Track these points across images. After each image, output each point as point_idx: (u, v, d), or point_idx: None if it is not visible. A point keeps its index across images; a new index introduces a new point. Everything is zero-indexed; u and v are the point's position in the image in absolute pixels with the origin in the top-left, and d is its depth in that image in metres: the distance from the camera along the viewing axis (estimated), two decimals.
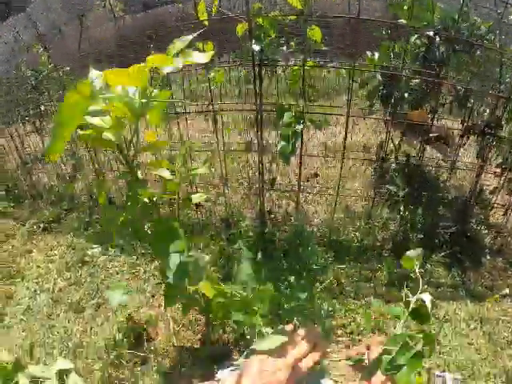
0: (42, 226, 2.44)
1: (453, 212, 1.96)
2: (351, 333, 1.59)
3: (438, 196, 2.00)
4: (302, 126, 1.58)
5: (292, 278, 1.56)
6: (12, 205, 2.68)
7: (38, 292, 1.89)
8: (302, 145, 1.65)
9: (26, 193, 2.82)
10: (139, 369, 1.44)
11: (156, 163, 0.97)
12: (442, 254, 1.79)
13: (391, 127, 1.87)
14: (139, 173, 0.88)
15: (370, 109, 2.28)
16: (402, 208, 1.90)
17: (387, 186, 1.94)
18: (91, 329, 1.66)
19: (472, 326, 1.54)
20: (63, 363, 1.40)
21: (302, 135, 1.62)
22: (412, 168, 1.92)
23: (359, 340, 1.58)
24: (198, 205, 2.00)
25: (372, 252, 1.86)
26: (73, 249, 2.21)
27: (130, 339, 1.54)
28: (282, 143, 1.54)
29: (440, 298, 1.64)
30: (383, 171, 1.99)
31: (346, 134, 1.66)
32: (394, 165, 1.98)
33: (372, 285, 1.78)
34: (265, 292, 1.00)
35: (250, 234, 1.81)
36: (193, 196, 1.11)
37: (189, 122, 1.96)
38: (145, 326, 1.60)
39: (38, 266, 2.10)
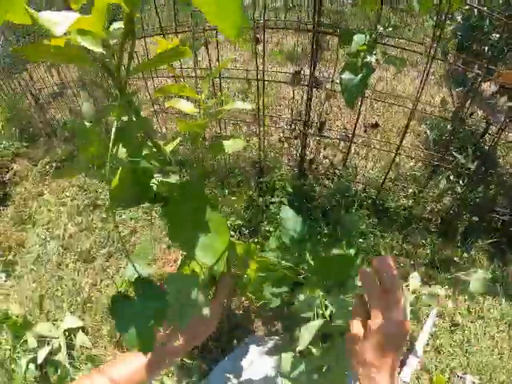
0: (54, 165, 2.27)
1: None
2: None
3: (505, 178, 1.71)
4: (374, 58, 1.20)
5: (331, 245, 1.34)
6: (26, 144, 2.46)
7: (48, 239, 1.83)
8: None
9: (40, 131, 2.57)
10: None
11: (175, 88, 0.59)
12: (489, 241, 1.61)
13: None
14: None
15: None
16: (462, 182, 1.63)
17: (455, 153, 1.64)
18: (101, 281, 1.61)
19: (501, 328, 1.45)
20: (71, 320, 1.41)
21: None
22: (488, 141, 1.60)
23: None
24: None
25: (418, 224, 1.63)
26: (85, 190, 2.06)
27: None
28: (348, 76, 1.17)
29: (477, 291, 1.48)
30: (454, 135, 1.66)
31: (423, 80, 1.30)
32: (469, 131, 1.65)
33: (412, 262, 1.60)
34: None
35: (286, 185, 1.53)
36: (226, 143, 0.70)
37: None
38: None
39: (49, 210, 2.01)
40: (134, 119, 0.46)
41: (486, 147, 1.76)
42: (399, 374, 1.37)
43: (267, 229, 1.53)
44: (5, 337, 1.39)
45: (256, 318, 1.34)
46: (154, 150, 0.51)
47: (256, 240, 1.58)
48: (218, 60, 1.48)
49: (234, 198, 0.75)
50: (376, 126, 1.42)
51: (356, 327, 0.51)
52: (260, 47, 1.36)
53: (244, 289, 0.81)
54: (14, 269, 1.74)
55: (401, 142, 1.39)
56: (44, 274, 1.68)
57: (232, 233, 1.60)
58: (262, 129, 1.53)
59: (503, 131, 1.46)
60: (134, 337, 0.41)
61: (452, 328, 1.46)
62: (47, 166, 2.29)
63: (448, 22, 1.75)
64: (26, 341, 1.33)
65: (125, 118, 0.47)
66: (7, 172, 2.26)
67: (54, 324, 1.41)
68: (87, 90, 2.14)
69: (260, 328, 1.36)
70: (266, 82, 1.41)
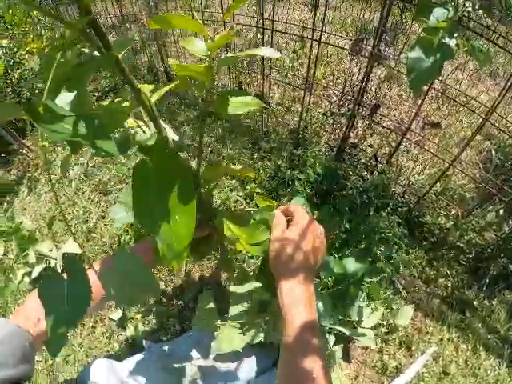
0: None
1: None
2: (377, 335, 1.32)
3: None
4: (454, 42, 0.94)
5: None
6: None
7: (72, 164, 1.89)
8: None
9: None
10: None
11: (178, 19, 0.41)
12: None
13: None
14: None
15: None
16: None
17: None
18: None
19: None
20: (72, 246, 1.43)
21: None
22: None
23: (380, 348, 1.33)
24: (266, 104, 1.48)
25: (449, 251, 1.45)
26: None
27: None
28: (418, 54, 0.93)
29: (483, 346, 1.36)
30: None
31: (507, 86, 1.04)
32: None
33: (428, 290, 1.43)
34: None
35: (318, 164, 1.33)
36: (232, 100, 0.55)
37: None
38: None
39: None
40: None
41: None
42: None
43: (285, 202, 1.36)
44: (12, 247, 1.50)
45: None
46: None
47: None
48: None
49: (240, 167, 0.59)
50: (437, 126, 1.19)
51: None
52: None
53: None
54: (36, 185, 1.86)
55: (460, 152, 1.17)
56: (61, 196, 1.77)
57: (247, 200, 1.46)
58: (307, 96, 1.32)
59: None
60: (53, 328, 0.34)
61: (441, 376, 1.32)
62: None
63: None
64: (27, 254, 1.41)
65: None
66: None
67: (56, 246, 1.49)
68: None
69: None
70: (322, 45, 1.19)
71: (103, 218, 1.67)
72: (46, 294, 0.36)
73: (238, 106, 0.53)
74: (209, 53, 0.49)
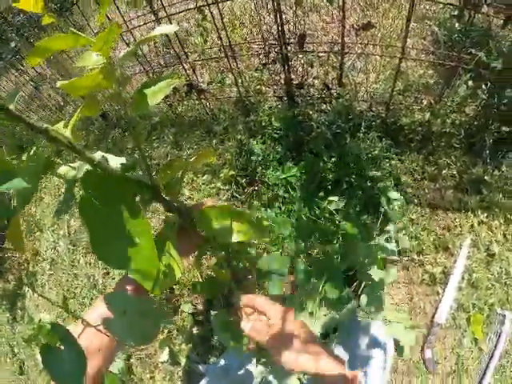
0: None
1: None
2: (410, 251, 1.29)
3: None
4: None
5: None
6: None
7: (57, 241, 1.91)
8: None
9: None
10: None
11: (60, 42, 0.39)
12: None
13: None
14: None
15: None
16: (486, 86, 1.38)
17: (473, 49, 1.37)
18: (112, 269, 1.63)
19: None
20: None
21: None
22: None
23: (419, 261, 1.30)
24: (200, 90, 1.43)
25: (440, 141, 1.41)
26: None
27: None
28: None
29: None
30: (470, 26, 1.37)
31: None
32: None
33: (437, 186, 1.39)
34: None
35: (274, 120, 1.28)
36: (148, 91, 0.51)
37: None
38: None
39: (51, 213, 2.08)
40: None
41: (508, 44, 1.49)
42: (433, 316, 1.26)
43: (265, 174, 1.31)
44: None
45: None
46: None
47: (255, 188, 1.39)
48: None
49: (194, 157, 0.56)
50: (369, 26, 1.13)
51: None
52: None
53: None
54: (36, 279, 1.86)
55: (404, 40, 1.12)
56: (61, 275, 1.78)
57: (227, 187, 1.42)
58: (232, 62, 1.26)
59: None
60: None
61: (488, 259, 1.30)
62: None
63: None
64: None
65: None
66: None
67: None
68: None
69: None
70: (223, 6, 1.13)
71: (108, 274, 1.66)
72: (48, 363, 0.37)
73: (156, 92, 0.49)
74: (102, 57, 0.45)
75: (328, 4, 1.56)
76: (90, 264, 1.75)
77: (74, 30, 0.40)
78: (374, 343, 1.05)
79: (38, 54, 0.38)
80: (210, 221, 0.65)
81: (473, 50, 1.40)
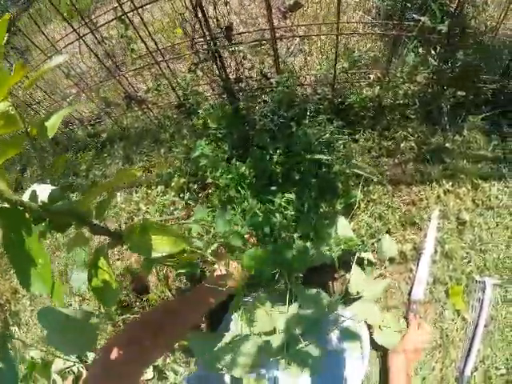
0: None
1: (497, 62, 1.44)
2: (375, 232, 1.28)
3: (485, 38, 1.44)
4: None
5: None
6: None
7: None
8: None
9: None
10: None
11: None
12: (481, 116, 1.38)
13: None
14: None
15: None
16: (435, 51, 1.36)
17: (415, 15, 1.35)
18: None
19: None
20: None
21: None
22: None
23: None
24: (140, 101, 1.42)
25: (393, 114, 1.39)
26: None
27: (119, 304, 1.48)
28: None
29: (480, 177, 1.34)
30: None
31: None
32: None
33: (396, 161, 1.38)
34: None
35: (215, 120, 1.27)
36: (48, 123, 0.60)
37: None
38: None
39: None
40: None
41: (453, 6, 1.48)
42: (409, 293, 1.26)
43: (216, 177, 1.30)
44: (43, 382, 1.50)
45: None
46: None
47: (209, 192, 1.38)
48: None
49: (113, 179, 0.62)
50: (297, 5, 1.10)
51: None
52: None
53: None
54: (19, 317, 1.87)
55: (338, 14, 1.09)
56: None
57: (182, 195, 1.42)
58: (163, 66, 1.25)
59: None
60: None
61: (459, 227, 1.30)
62: None
63: None
64: (54, 380, 1.46)
65: None
66: None
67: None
68: None
69: None
70: (140, 10, 1.11)
71: (84, 300, 1.69)
72: None
73: (54, 124, 0.58)
74: (4, 103, 0.50)
75: None
76: (65, 295, 1.74)
77: None
78: (347, 335, 1.04)
79: None
80: (135, 240, 0.67)
81: (415, 16, 1.38)
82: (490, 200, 1.32)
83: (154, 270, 1.41)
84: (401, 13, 1.26)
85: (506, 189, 1.33)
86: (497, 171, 1.35)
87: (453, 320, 1.23)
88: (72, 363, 1.50)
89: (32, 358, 1.53)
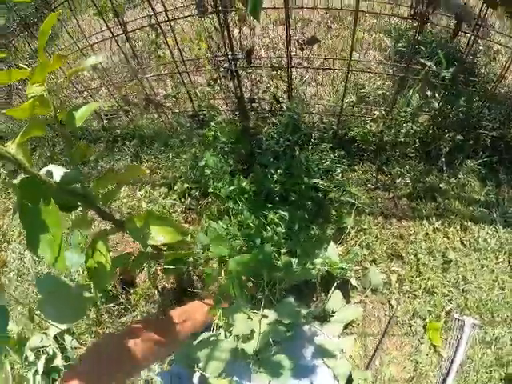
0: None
1: (500, 110, 1.54)
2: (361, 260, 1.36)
3: (487, 86, 1.55)
4: None
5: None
6: None
7: (23, 252, 1.96)
8: None
9: None
10: (123, 320, 1.49)
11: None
12: (479, 161, 1.48)
13: None
14: None
15: None
16: (438, 96, 1.47)
17: (422, 60, 1.46)
18: None
19: (500, 259, 1.38)
20: (57, 326, 1.51)
21: None
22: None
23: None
24: (158, 104, 1.54)
25: (393, 151, 1.49)
26: None
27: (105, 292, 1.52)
28: None
29: (471, 220, 1.42)
30: (417, 39, 1.47)
31: None
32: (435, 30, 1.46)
33: (391, 195, 1.47)
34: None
35: (225, 134, 1.38)
36: (76, 113, 0.69)
37: None
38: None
39: (19, 224, 2.05)
40: None
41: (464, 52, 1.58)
42: None
43: (217, 187, 1.40)
44: (14, 357, 1.51)
45: None
46: None
47: (209, 201, 1.47)
48: None
49: (123, 173, 0.73)
50: (315, 41, 1.23)
51: None
52: None
53: None
54: (4, 290, 1.85)
55: (350, 54, 1.21)
56: (27, 286, 1.81)
57: (182, 199, 1.53)
58: (184, 77, 1.37)
59: (480, 28, 1.27)
60: None
61: (444, 266, 1.37)
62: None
63: None
64: (26, 356, 1.47)
65: None
66: None
67: (46, 333, 1.55)
68: None
69: None
70: (175, 22, 1.24)
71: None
72: None
73: (81, 114, 0.67)
74: (41, 88, 0.59)
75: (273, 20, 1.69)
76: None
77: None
78: (321, 352, 1.11)
79: None
80: (136, 225, 0.77)
81: (422, 60, 1.50)
82: (477, 242, 1.39)
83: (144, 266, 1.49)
84: (410, 56, 1.37)
85: (495, 233, 1.40)
86: (488, 215, 1.43)
87: (428, 355, 1.27)
88: (48, 343, 1.51)
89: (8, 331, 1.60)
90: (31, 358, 1.47)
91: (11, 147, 0.57)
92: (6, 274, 1.93)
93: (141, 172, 0.83)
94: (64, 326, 1.51)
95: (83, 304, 0.70)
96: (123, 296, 1.51)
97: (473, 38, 1.27)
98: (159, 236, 0.75)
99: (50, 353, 1.50)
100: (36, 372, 1.46)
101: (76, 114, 0.66)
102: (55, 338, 1.53)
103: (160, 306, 1.44)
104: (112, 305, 1.49)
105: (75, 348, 1.54)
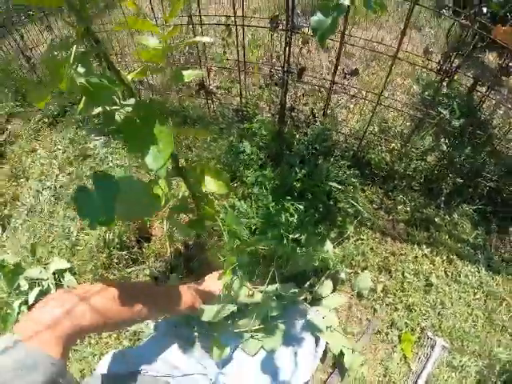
0: (47, 121, 2.45)
1: (501, 167, 1.71)
2: (355, 265, 1.54)
3: (493, 140, 1.76)
4: (348, 2, 1.26)
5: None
6: (19, 104, 2.61)
7: (41, 190, 2.00)
8: (344, 27, 1.35)
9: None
10: (130, 270, 1.57)
11: (136, 22, 0.69)
12: (474, 207, 1.65)
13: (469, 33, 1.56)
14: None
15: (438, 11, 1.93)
16: (448, 141, 1.69)
17: (440, 108, 1.70)
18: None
19: (477, 296, 1.51)
20: (59, 263, 1.58)
21: (348, 11, 1.31)
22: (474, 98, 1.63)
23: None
24: (208, 91, 1.76)
25: (401, 181, 1.70)
26: (75, 143, 2.24)
27: (121, 239, 1.60)
28: (318, 16, 1.24)
29: (457, 255, 1.58)
30: (440, 91, 1.72)
31: (406, 24, 1.35)
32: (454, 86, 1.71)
33: (391, 218, 1.67)
34: None
35: (264, 132, 1.61)
36: (184, 72, 0.84)
37: None
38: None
39: (42, 164, 2.18)
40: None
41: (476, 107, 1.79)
42: None
43: (245, 174, 1.60)
44: (2, 285, 1.55)
45: None
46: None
47: (235, 184, 1.66)
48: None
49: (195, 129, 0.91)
50: (356, 72, 1.47)
51: None
52: None
53: None
54: (9, 221, 1.92)
55: (381, 91, 1.45)
56: (37, 223, 1.85)
57: None
58: (241, 75, 1.60)
59: (491, 90, 1.49)
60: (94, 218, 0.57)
61: (426, 288, 1.51)
62: (40, 123, 2.45)
63: None
64: (19, 285, 1.50)
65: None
66: (2, 133, 2.43)
67: (45, 267, 1.59)
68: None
69: None
70: (248, 28, 1.47)
71: (83, 229, 1.77)
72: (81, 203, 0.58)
73: (189, 75, 0.82)
74: (161, 43, 0.77)
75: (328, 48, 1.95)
76: (68, 217, 1.83)
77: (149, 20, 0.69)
78: (308, 328, 1.24)
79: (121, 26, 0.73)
80: (196, 173, 0.94)
81: (440, 108, 1.73)
82: (459, 276, 1.54)
83: (164, 224, 1.63)
84: (432, 104, 1.60)
85: (476, 273, 1.55)
86: (473, 255, 1.58)
87: (398, 364, 1.37)
88: (46, 277, 1.52)
89: (3, 260, 1.55)
90: (24, 287, 1.49)
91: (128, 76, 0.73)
92: (16, 208, 1.97)
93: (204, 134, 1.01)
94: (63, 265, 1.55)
95: (154, 199, 0.77)
96: (136, 248, 1.62)
97: (484, 97, 1.51)
98: (211, 186, 0.93)
99: (45, 286, 1.51)
100: (24, 302, 1.49)
101: (184, 73, 0.82)
102: (54, 274, 1.56)
103: (168, 264, 1.56)
104: (124, 253, 1.58)
105: (73, 287, 1.48)
